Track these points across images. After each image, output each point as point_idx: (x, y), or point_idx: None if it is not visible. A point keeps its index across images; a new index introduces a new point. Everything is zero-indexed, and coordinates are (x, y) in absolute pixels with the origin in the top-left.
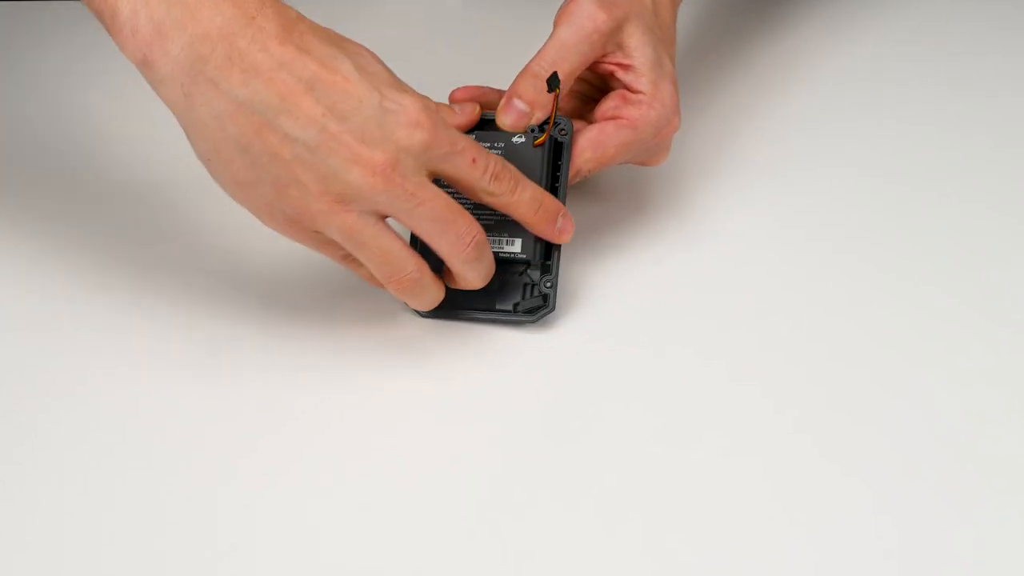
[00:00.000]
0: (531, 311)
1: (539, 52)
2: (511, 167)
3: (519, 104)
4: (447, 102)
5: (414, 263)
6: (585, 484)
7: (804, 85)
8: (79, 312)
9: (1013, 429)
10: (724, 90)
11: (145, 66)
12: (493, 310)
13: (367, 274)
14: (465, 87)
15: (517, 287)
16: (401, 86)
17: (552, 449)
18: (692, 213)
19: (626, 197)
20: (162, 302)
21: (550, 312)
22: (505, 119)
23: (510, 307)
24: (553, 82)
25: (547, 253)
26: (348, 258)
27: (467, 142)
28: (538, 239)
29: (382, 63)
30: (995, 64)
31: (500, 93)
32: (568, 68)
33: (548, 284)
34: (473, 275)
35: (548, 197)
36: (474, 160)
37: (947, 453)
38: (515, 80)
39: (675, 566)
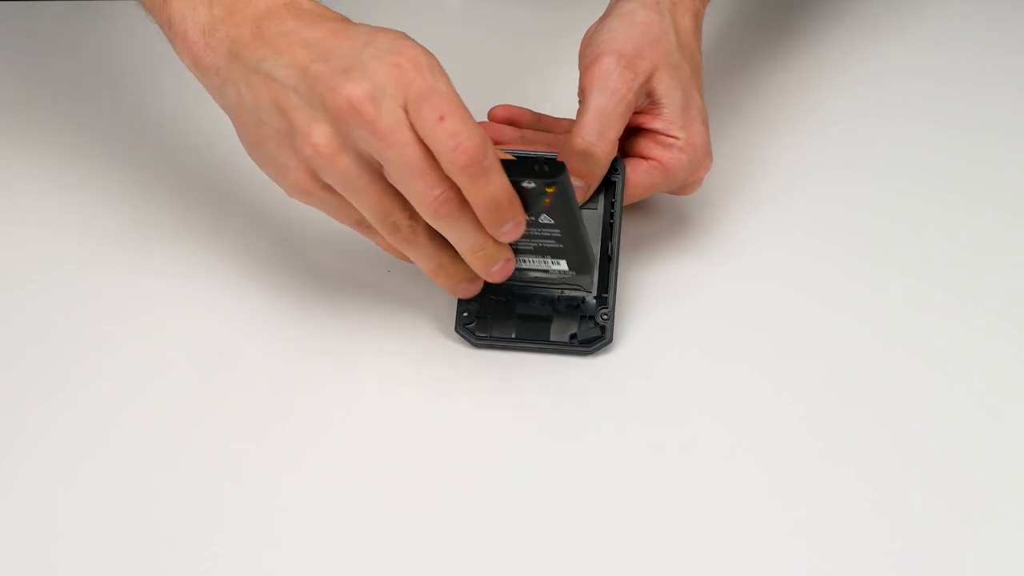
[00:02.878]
0: (588, 342)
1: (578, 123)
2: (492, 153)
3: (573, 181)
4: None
5: (407, 213)
6: (607, 489)
7: (829, 94)
8: (87, 305)
9: None
10: (750, 103)
11: (195, 65)
12: (548, 342)
13: (383, 242)
14: (503, 105)
15: (572, 318)
16: (406, 40)
17: (568, 455)
18: (719, 228)
19: (663, 211)
20: (174, 301)
21: (607, 344)
22: None
23: (566, 338)
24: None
25: (603, 284)
26: (362, 222)
27: (447, 100)
28: (600, 273)
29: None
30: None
31: (534, 114)
32: (613, 136)
33: (605, 315)
34: (451, 235)
35: (513, 208)
36: (442, 118)
37: (976, 466)
38: (561, 156)
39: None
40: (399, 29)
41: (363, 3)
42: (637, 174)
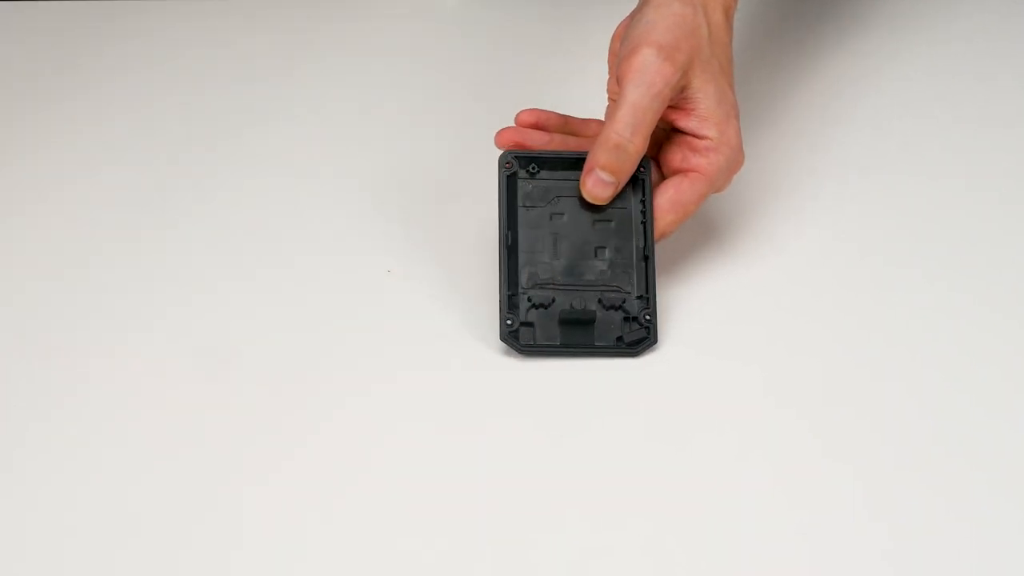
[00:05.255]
0: (634, 344)
1: (612, 117)
2: None
3: (603, 175)
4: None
5: None
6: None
7: (858, 97)
8: (86, 305)
9: None
10: (778, 106)
11: None
12: (594, 346)
13: None
14: (530, 110)
15: (615, 320)
16: None
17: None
18: (756, 229)
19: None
20: (180, 302)
21: (652, 344)
22: (593, 190)
23: (611, 341)
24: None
25: (643, 284)
26: None
27: None
28: (639, 273)
29: None
30: None
31: (561, 117)
32: (646, 131)
33: (648, 316)
34: None
35: None
36: None
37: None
38: (593, 150)
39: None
40: (396, 29)
41: (361, 3)
42: (683, 191)
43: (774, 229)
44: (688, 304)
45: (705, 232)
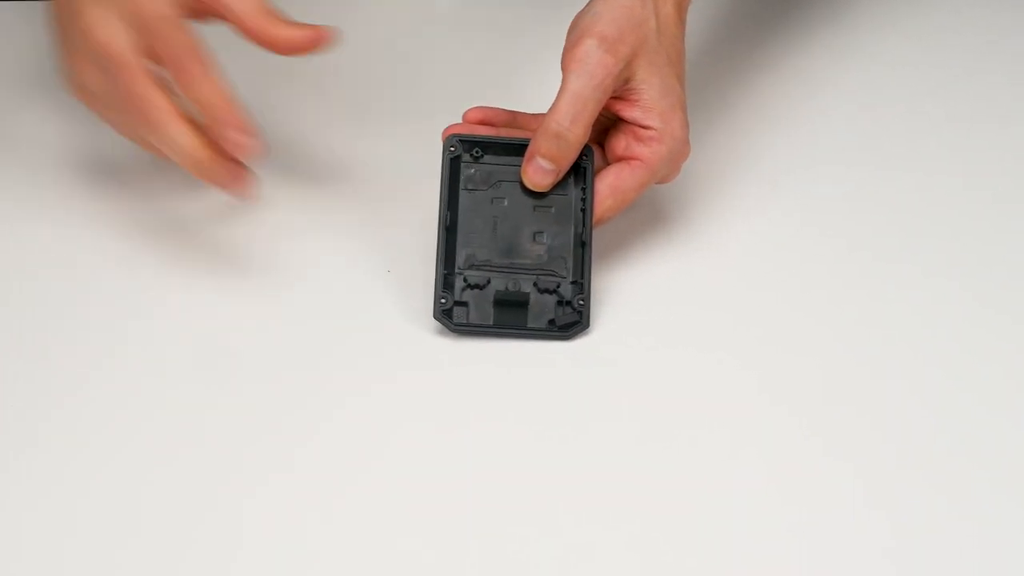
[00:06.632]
0: (566, 327)
1: (554, 106)
2: (199, 57)
3: (543, 163)
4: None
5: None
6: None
7: (817, 90)
8: (86, 305)
9: None
10: (739, 97)
11: None
12: (526, 328)
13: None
14: (478, 108)
15: (549, 304)
16: None
17: (549, 442)
18: (702, 220)
19: (642, 203)
20: (171, 301)
21: (584, 329)
22: (533, 178)
23: (543, 324)
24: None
25: (579, 270)
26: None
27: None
28: (575, 259)
29: None
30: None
31: (509, 113)
32: (587, 120)
33: (581, 301)
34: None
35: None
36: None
37: (969, 459)
38: (535, 138)
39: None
40: (390, 29)
41: (355, 3)
42: (623, 178)
43: (725, 217)
44: (631, 286)
45: (658, 220)
